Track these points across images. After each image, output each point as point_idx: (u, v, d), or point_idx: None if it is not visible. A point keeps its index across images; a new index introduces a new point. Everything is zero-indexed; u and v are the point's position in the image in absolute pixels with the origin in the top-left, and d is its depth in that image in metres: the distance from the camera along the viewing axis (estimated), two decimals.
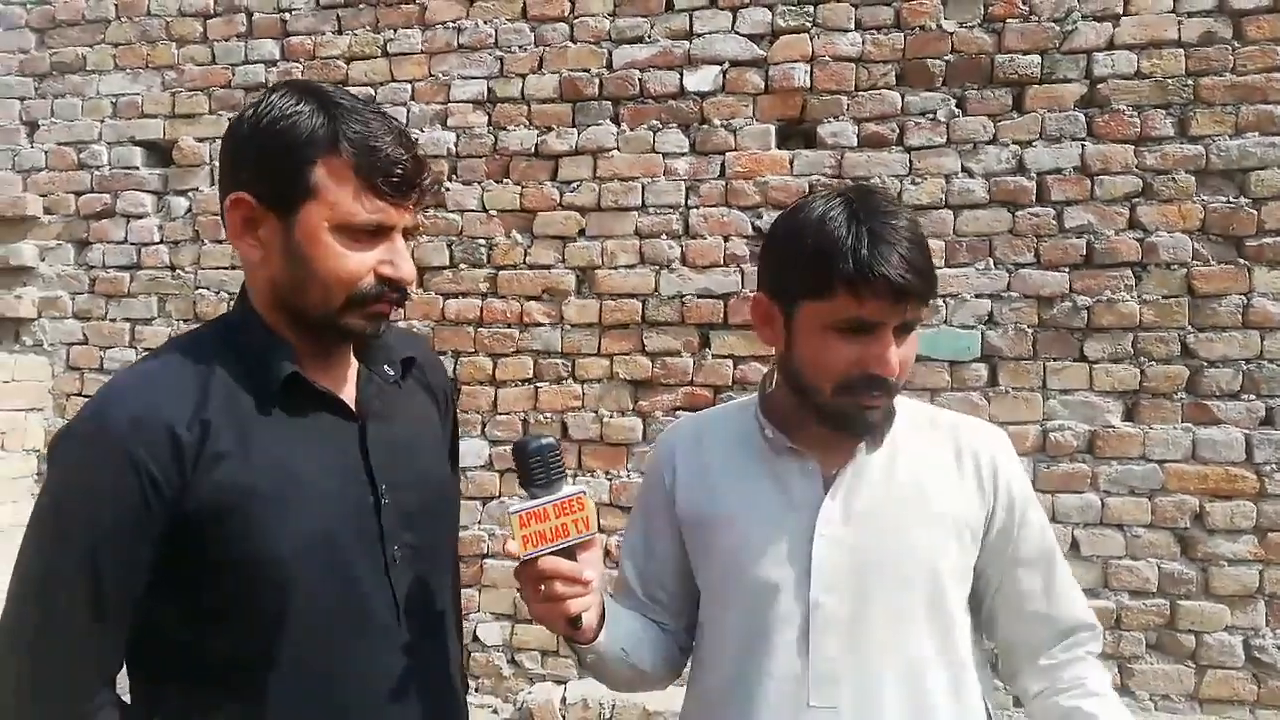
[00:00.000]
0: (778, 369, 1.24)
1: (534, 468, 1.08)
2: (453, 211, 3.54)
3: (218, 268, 3.71)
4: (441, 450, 1.29)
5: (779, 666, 1.16)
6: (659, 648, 1.30)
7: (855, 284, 1.09)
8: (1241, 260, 3.01)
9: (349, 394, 1.15)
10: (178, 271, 3.75)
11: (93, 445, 1.03)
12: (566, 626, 1.12)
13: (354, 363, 1.17)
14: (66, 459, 1.05)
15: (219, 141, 3.71)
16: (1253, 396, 2.97)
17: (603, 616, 1.18)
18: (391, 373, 1.19)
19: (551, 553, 1.07)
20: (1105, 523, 3.01)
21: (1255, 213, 3.00)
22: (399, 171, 1.05)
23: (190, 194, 3.77)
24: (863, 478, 1.19)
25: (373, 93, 3.64)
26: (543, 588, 1.08)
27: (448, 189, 3.53)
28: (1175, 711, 2.94)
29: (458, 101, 3.58)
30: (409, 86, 3.62)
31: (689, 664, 1.33)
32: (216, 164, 3.70)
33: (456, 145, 3.56)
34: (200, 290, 3.72)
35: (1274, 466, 2.93)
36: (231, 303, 3.45)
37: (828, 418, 1.17)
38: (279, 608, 1.04)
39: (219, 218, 3.71)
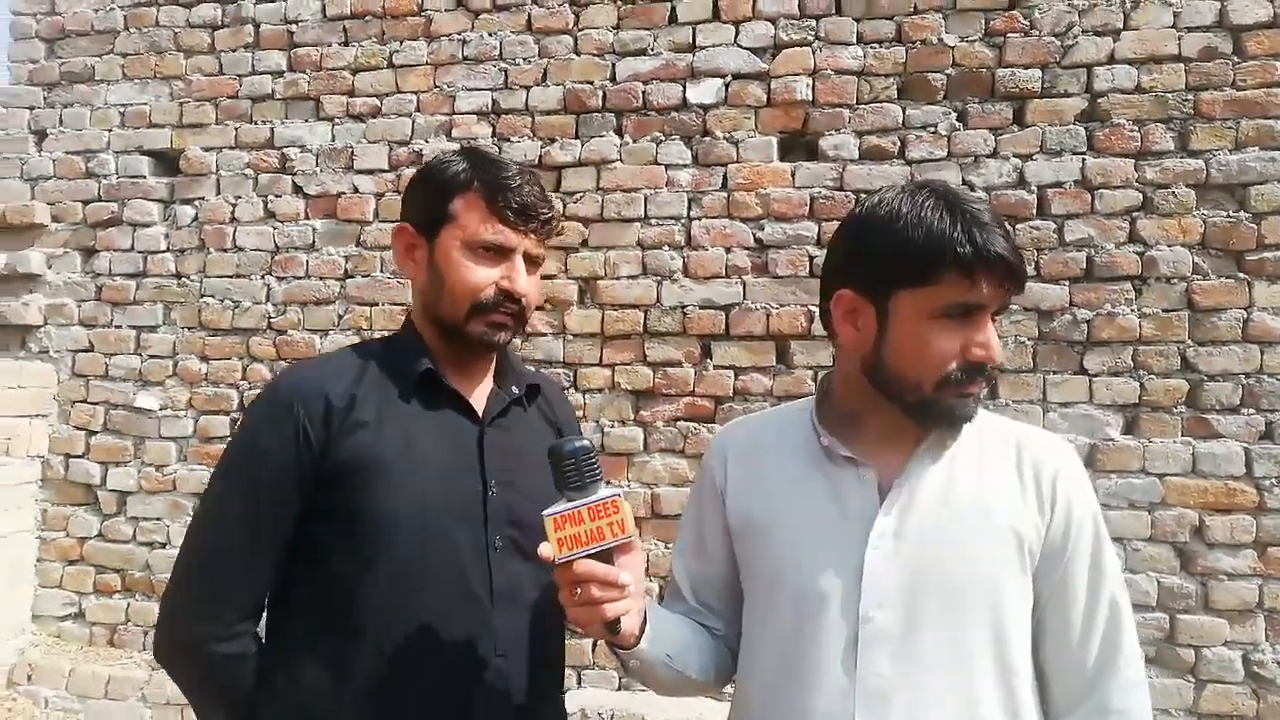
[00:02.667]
0: (861, 369, 1.19)
1: (568, 470, 1.09)
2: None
3: (222, 276, 3.73)
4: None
5: (825, 680, 1.13)
6: (707, 653, 1.29)
7: (971, 266, 1.08)
8: (1241, 275, 3.01)
9: (478, 402, 1.36)
10: (183, 279, 3.77)
11: (267, 403, 1.31)
12: (604, 631, 1.11)
13: (489, 379, 1.40)
14: (249, 415, 1.34)
15: (225, 151, 3.78)
16: (1253, 411, 2.97)
17: (645, 621, 1.17)
18: (516, 390, 1.39)
19: (587, 556, 1.07)
20: None
21: (1255, 227, 3.01)
22: (517, 202, 1.30)
23: (196, 203, 3.80)
24: (920, 489, 1.16)
25: (378, 104, 3.67)
26: (579, 591, 1.07)
27: None
28: None
29: (462, 113, 3.60)
30: (414, 98, 3.65)
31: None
32: (224, 173, 3.76)
33: None
34: (205, 298, 3.74)
35: (1274, 481, 2.94)
36: (235, 310, 3.53)
37: (924, 414, 1.15)
38: (384, 558, 1.23)
39: (224, 226, 3.75)
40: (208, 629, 1.25)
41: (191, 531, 1.30)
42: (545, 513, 1.08)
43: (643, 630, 1.17)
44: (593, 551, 1.07)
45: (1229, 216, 3.04)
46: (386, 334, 1.54)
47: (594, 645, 3.29)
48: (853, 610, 1.14)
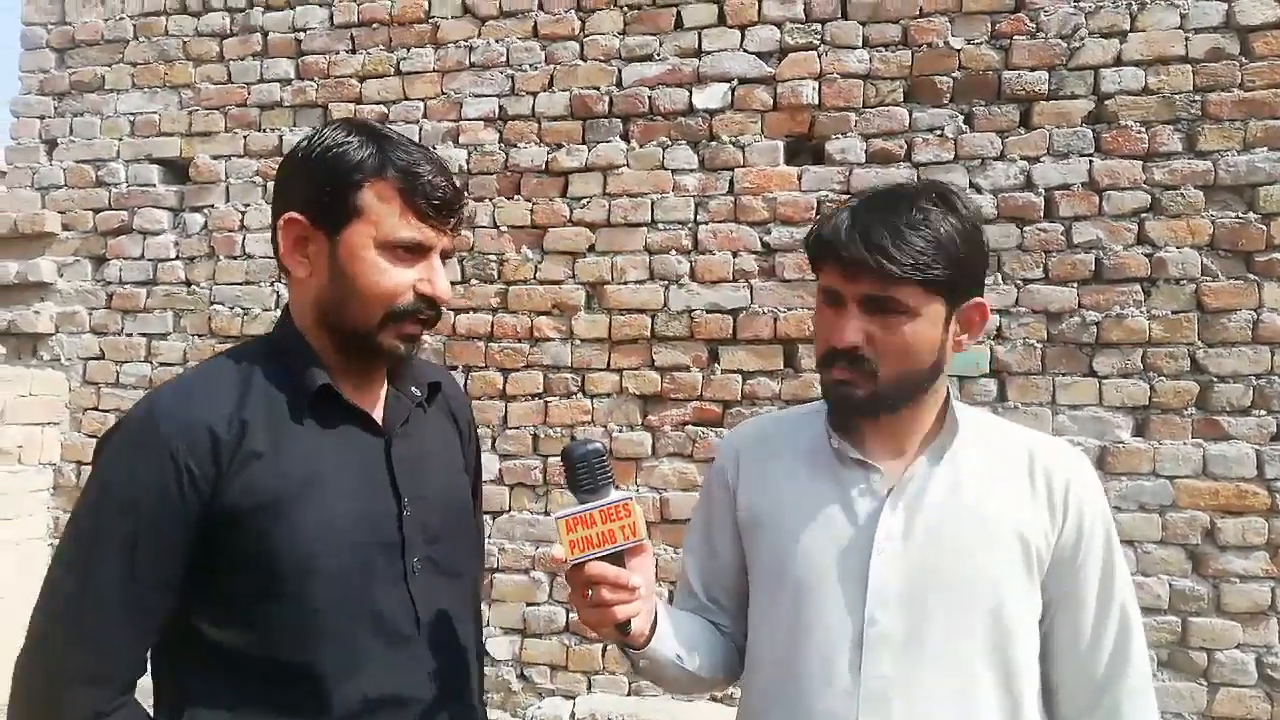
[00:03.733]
0: None
1: (580, 473, 1.09)
2: (464, 228, 3.57)
3: (232, 283, 3.75)
4: (461, 474, 1.33)
5: (829, 681, 1.14)
6: (717, 651, 1.29)
7: (820, 255, 1.19)
8: (1251, 275, 3.00)
9: (377, 412, 1.22)
10: (193, 287, 3.80)
11: (137, 440, 1.10)
12: (615, 632, 1.12)
13: (385, 384, 1.24)
14: (112, 452, 1.11)
15: (234, 159, 3.80)
16: (1263, 412, 2.96)
17: (655, 622, 1.18)
18: (418, 393, 1.26)
19: (598, 558, 1.07)
20: None
21: (1264, 228, 3.00)
22: (439, 196, 1.14)
23: (206, 211, 3.82)
24: (927, 493, 1.17)
25: (386, 111, 3.69)
26: (590, 593, 1.07)
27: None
28: None
29: (469, 119, 3.62)
30: (421, 104, 3.66)
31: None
32: (233, 181, 3.78)
33: (468, 162, 3.59)
34: (215, 305, 3.76)
35: None
36: (245, 318, 3.53)
37: (823, 392, 1.23)
38: (298, 604, 1.09)
39: (233, 234, 3.77)
40: (85, 706, 1.06)
41: (53, 589, 1.08)
42: (556, 515, 1.08)
43: (653, 631, 1.18)
44: (604, 554, 1.07)
45: (1238, 217, 3.03)
46: (255, 338, 1.35)
47: (604, 651, 3.29)
48: (858, 611, 1.15)
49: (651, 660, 1.21)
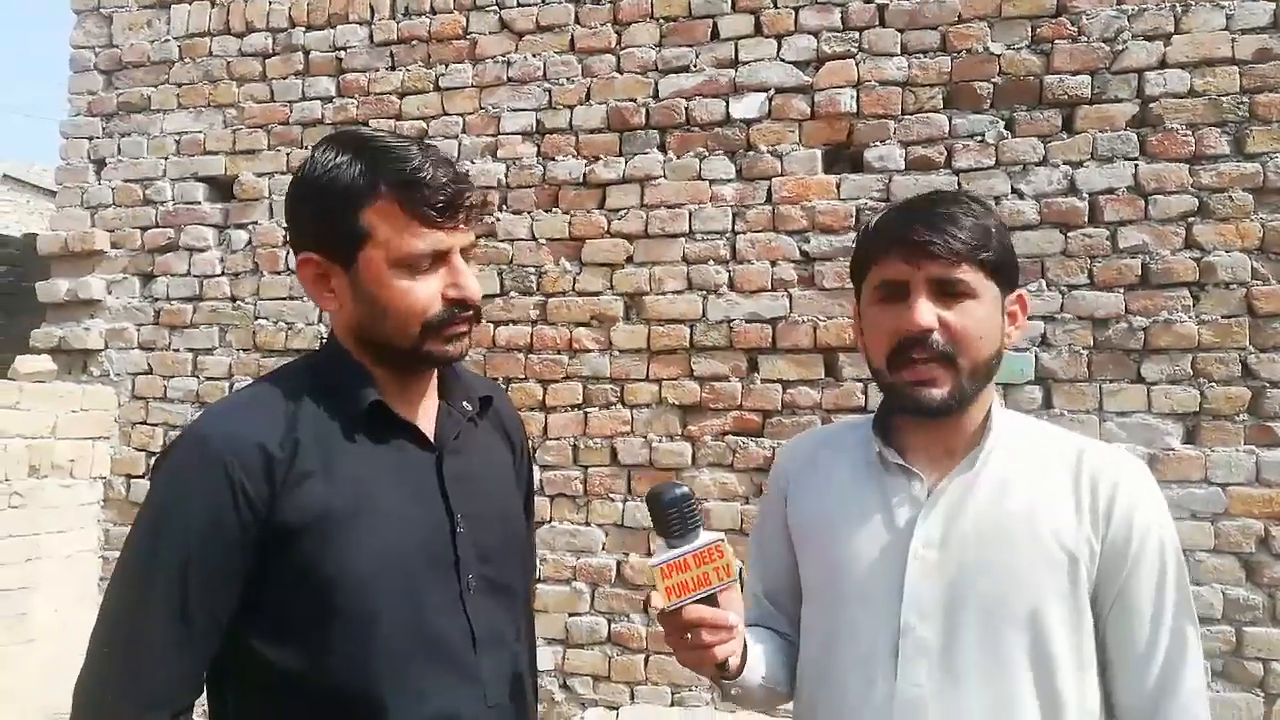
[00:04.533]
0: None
1: (671, 519, 1.08)
2: (503, 241, 3.60)
3: (276, 298, 3.81)
4: (513, 489, 1.31)
5: (866, 690, 1.14)
6: (790, 662, 1.29)
7: (880, 248, 1.17)
8: None
9: (428, 426, 1.19)
10: (238, 303, 3.86)
11: (192, 459, 1.09)
12: (715, 670, 1.13)
13: (435, 398, 1.22)
14: (168, 472, 1.11)
15: (277, 176, 3.86)
16: None
17: (744, 650, 1.18)
18: (469, 408, 1.23)
19: (694, 601, 1.07)
20: None
21: None
22: (441, 197, 1.09)
23: (250, 227, 3.89)
24: (967, 500, 1.15)
25: (425, 127, 3.73)
26: (689, 636, 1.08)
27: (498, 219, 3.60)
28: None
29: (507, 133, 3.65)
30: (460, 120, 3.70)
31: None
32: (276, 198, 3.85)
33: (506, 176, 3.62)
34: (260, 320, 3.82)
35: None
36: (289, 332, 3.58)
37: (894, 397, 1.18)
38: (353, 625, 1.07)
39: (277, 250, 3.83)
40: None
41: (110, 610, 1.08)
42: (652, 562, 1.08)
43: (743, 660, 1.18)
44: (700, 597, 1.07)
45: None
46: (302, 357, 1.32)
47: (645, 661, 3.29)
48: (893, 620, 1.14)
49: (743, 688, 1.22)
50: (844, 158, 3.40)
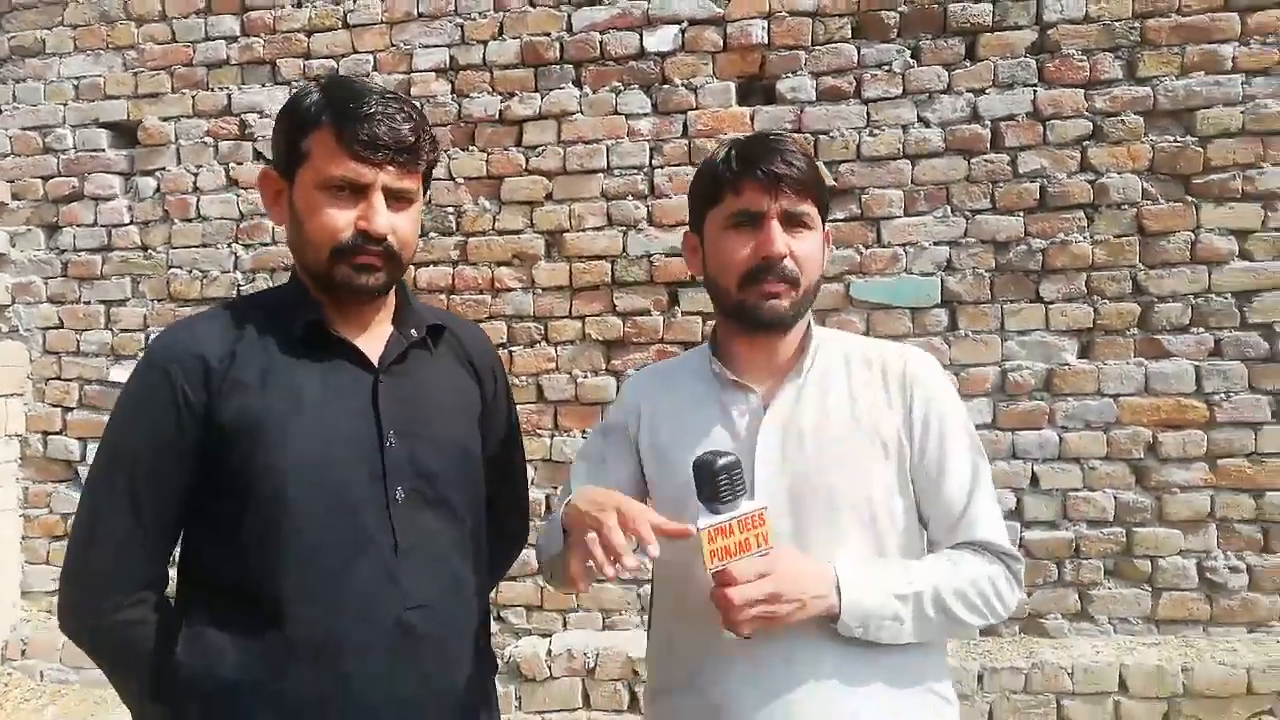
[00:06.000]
0: (710, 298, 1.38)
1: (721, 485, 1.14)
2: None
3: (189, 246, 3.73)
4: (467, 418, 1.38)
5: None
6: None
7: (734, 180, 1.28)
8: (1189, 198, 3.10)
9: (374, 350, 1.29)
10: (149, 252, 3.77)
11: (143, 369, 1.25)
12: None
13: (389, 326, 1.34)
14: (125, 386, 1.28)
15: (184, 120, 3.76)
16: (1202, 329, 3.07)
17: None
18: (415, 334, 1.33)
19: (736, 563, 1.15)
20: (1063, 457, 3.13)
21: (1201, 150, 3.09)
22: (367, 133, 1.20)
23: (158, 174, 3.78)
24: (799, 404, 1.31)
25: (335, 65, 3.65)
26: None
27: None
28: (1133, 633, 3.08)
29: (420, 71, 3.60)
30: (371, 57, 3.63)
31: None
32: (183, 143, 3.75)
33: None
34: (174, 270, 3.74)
35: (1223, 396, 3.05)
36: (204, 280, 3.56)
37: (742, 316, 1.31)
38: (278, 521, 1.18)
39: (187, 196, 3.74)
40: (99, 602, 1.21)
41: (79, 506, 1.25)
42: (699, 526, 1.14)
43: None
44: (740, 561, 1.15)
45: (1176, 141, 3.11)
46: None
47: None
48: None
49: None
50: (757, 90, 3.43)
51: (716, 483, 1.14)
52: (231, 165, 3.72)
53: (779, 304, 1.28)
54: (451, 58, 3.58)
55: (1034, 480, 3.14)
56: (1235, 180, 3.07)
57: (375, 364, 1.27)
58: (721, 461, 1.14)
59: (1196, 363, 3.07)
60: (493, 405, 1.44)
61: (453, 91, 3.58)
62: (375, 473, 1.22)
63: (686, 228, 1.42)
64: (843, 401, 1.31)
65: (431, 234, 3.55)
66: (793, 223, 1.29)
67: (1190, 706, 2.89)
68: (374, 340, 1.30)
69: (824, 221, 1.35)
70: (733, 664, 1.23)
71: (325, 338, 1.25)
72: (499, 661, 3.29)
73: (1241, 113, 3.07)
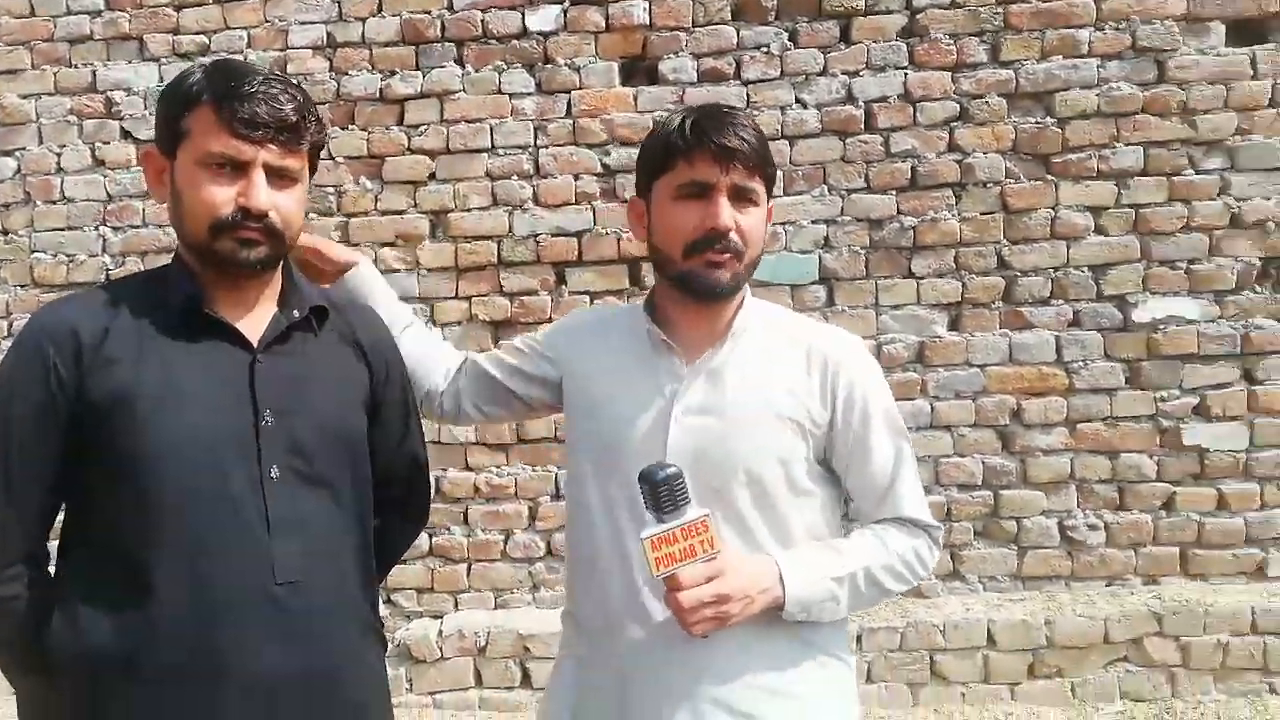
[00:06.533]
0: (651, 262, 1.42)
1: (662, 495, 1.19)
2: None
3: (54, 229, 3.57)
4: (351, 397, 1.39)
5: (629, 525, 1.32)
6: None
7: (687, 150, 1.31)
8: (1049, 176, 3.25)
9: (255, 329, 1.31)
10: (10, 235, 3.59)
11: (17, 344, 1.28)
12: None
13: (273, 306, 1.34)
14: (4, 358, 1.29)
15: (45, 98, 3.58)
16: (1061, 301, 3.24)
17: None
18: (297, 314, 1.33)
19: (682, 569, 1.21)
20: (935, 425, 3.27)
21: (1060, 131, 3.25)
22: (247, 113, 1.23)
23: (17, 154, 3.60)
24: (721, 373, 1.36)
25: (207, 42, 3.53)
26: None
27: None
28: (1001, 590, 3.24)
29: (296, 48, 3.50)
30: (244, 34, 3.52)
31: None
32: (45, 122, 3.57)
33: None
34: (37, 254, 3.57)
35: (1081, 364, 3.23)
36: (70, 265, 3.44)
37: (683, 284, 1.35)
38: (149, 497, 1.21)
39: (50, 177, 3.58)
40: None
41: None
42: (643, 535, 1.20)
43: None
44: (685, 566, 1.20)
45: (1037, 123, 3.26)
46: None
47: (468, 570, 3.39)
48: None
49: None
50: (640, 70, 3.45)
51: (658, 494, 1.19)
52: (98, 145, 3.57)
53: (721, 275, 1.32)
54: (329, 34, 3.49)
55: None
56: (1091, 160, 3.24)
57: (255, 344, 1.29)
58: (663, 474, 1.19)
59: (1056, 333, 3.24)
60: (385, 389, 1.44)
61: (331, 69, 3.50)
62: (249, 451, 1.25)
63: (633, 194, 1.45)
64: (763, 376, 1.35)
65: (312, 215, 3.47)
66: (740, 197, 1.32)
67: (1053, 657, 3.07)
68: (256, 320, 1.31)
69: (769, 197, 1.39)
70: (641, 629, 1.32)
71: (203, 317, 1.27)
72: (389, 644, 3.28)
73: (1097, 95, 3.24)
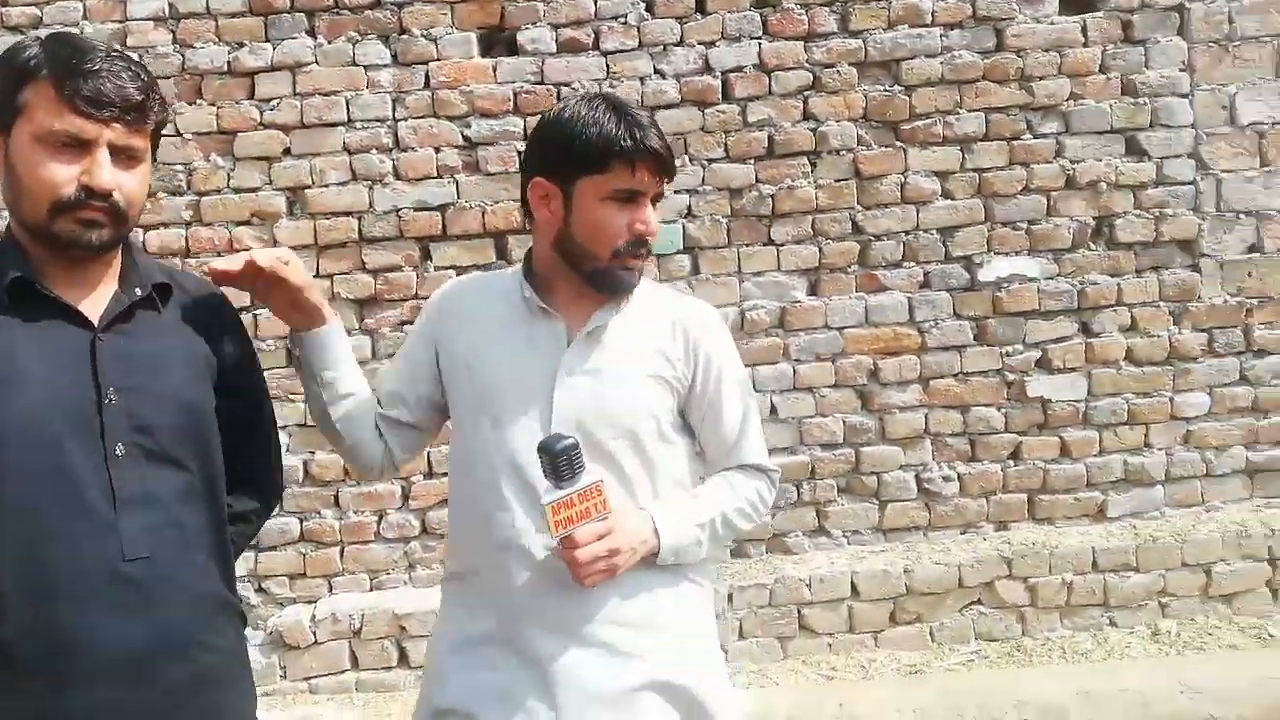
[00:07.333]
0: (551, 244, 1.48)
1: (560, 465, 1.31)
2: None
3: None
4: (196, 374, 1.38)
5: (520, 487, 1.42)
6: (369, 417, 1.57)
7: (631, 157, 1.40)
8: (898, 143, 3.37)
9: (96, 308, 1.30)
10: None
11: None
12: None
13: (114, 285, 1.33)
14: None
15: None
16: (913, 264, 3.37)
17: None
18: (139, 293, 1.33)
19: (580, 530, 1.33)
20: (797, 387, 3.37)
21: (908, 99, 3.36)
22: (90, 88, 1.22)
23: None
24: (598, 337, 1.47)
25: (39, 14, 3.34)
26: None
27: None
28: (864, 543, 3.38)
29: (136, 19, 3.34)
30: (79, 5, 3.34)
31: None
32: None
33: None
34: None
35: (932, 323, 3.37)
36: None
37: (600, 281, 1.46)
38: None
39: None
40: None
41: None
42: (543, 501, 1.33)
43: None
44: (581, 527, 1.33)
45: (885, 91, 3.37)
46: None
47: (341, 553, 3.34)
48: (545, 433, 1.41)
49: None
50: (500, 41, 3.42)
51: (557, 463, 1.31)
52: None
53: (637, 276, 1.48)
54: (171, 5, 3.35)
55: (773, 410, 3.36)
56: (937, 126, 3.37)
57: (95, 323, 1.28)
58: (561, 445, 1.30)
59: (909, 295, 3.37)
60: (232, 367, 1.44)
61: (174, 41, 3.35)
62: (93, 429, 1.24)
63: (531, 176, 1.48)
64: (636, 340, 1.48)
65: (160, 194, 3.34)
66: (654, 202, 1.47)
67: (912, 604, 3.22)
68: (97, 299, 1.30)
69: None
70: (525, 571, 1.41)
71: (37, 296, 1.25)
72: (264, 630, 3.22)
73: (941, 63, 3.36)
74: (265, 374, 1.59)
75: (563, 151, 1.44)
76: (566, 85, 3.36)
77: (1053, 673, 2.95)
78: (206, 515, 1.36)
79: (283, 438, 3.46)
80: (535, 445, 1.37)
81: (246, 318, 3.32)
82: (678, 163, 3.27)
